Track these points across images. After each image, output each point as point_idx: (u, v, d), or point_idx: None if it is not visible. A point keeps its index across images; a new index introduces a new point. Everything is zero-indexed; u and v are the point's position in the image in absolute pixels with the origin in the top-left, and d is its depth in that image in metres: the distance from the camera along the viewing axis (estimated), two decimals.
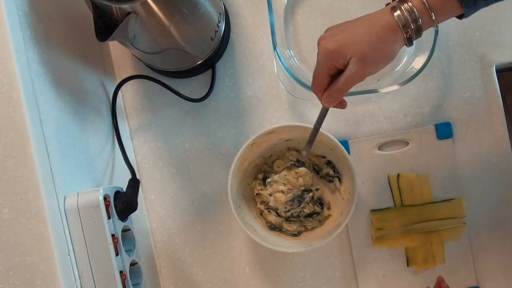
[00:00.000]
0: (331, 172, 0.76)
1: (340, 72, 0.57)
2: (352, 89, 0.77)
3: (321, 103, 0.61)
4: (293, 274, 0.80)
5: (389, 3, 0.57)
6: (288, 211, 0.75)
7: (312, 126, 0.70)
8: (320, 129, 0.70)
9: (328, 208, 0.77)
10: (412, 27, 0.55)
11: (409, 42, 0.56)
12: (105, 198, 0.59)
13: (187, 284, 0.81)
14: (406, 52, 0.79)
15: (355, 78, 0.56)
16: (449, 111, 0.79)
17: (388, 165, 0.79)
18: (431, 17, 0.54)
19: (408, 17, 0.54)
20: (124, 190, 0.66)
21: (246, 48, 0.81)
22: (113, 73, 0.81)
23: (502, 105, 0.79)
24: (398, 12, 0.55)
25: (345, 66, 0.56)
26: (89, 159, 0.67)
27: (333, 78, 0.58)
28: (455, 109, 0.79)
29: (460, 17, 0.56)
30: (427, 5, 0.54)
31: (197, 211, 0.81)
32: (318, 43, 0.58)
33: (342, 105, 0.63)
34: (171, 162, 0.81)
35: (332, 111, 0.80)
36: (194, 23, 0.67)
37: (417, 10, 0.54)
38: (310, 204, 0.76)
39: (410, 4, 0.54)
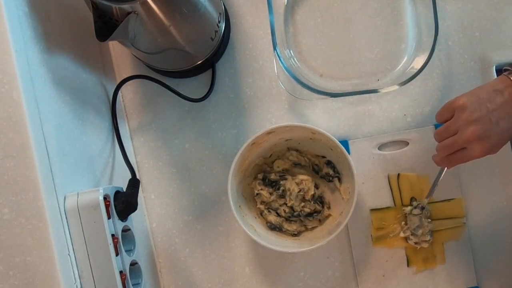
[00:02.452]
0: (331, 172, 0.77)
1: None
2: (352, 89, 0.77)
3: (440, 162, 0.67)
4: (293, 274, 0.80)
5: (506, 74, 0.61)
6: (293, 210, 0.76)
7: (311, 126, 0.70)
8: (320, 129, 0.70)
9: (328, 208, 0.77)
10: None
11: None
12: (105, 198, 0.59)
13: (187, 284, 0.81)
14: (406, 52, 0.79)
15: (475, 158, 0.62)
16: None
17: (388, 165, 0.79)
18: None
19: None
20: (124, 190, 0.66)
21: (246, 48, 0.81)
22: (113, 73, 0.81)
23: None
24: None
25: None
26: (89, 159, 0.67)
27: None
28: None
29: None
30: None
31: (197, 211, 0.81)
32: (462, 124, 0.61)
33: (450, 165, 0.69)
34: (171, 162, 0.81)
35: (332, 111, 0.80)
36: (194, 23, 0.67)
37: None
38: (311, 203, 0.76)
39: None
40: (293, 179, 0.76)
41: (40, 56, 0.59)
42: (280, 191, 0.76)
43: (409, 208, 0.77)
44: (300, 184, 0.76)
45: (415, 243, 0.76)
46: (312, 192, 0.75)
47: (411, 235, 0.76)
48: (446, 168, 0.72)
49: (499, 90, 0.60)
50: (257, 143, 0.73)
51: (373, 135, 0.79)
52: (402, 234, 0.77)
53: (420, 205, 0.76)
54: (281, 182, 0.76)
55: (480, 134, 0.60)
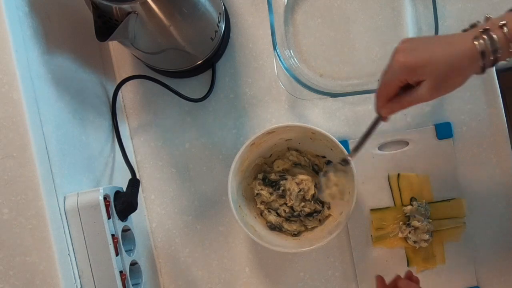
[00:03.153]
0: None
1: (407, 86, 0.57)
2: (352, 89, 0.77)
3: (379, 111, 0.60)
4: (293, 274, 0.80)
5: (467, 29, 0.57)
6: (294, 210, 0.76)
7: (311, 126, 0.70)
8: (320, 129, 0.70)
9: (328, 208, 0.77)
10: (491, 58, 0.54)
11: (482, 72, 0.56)
12: (105, 198, 0.59)
13: (187, 284, 0.81)
14: None
15: (421, 101, 0.56)
16: (449, 111, 0.79)
17: (388, 165, 0.79)
18: (509, 50, 0.54)
19: (490, 48, 0.53)
20: (124, 190, 0.66)
21: (246, 48, 0.81)
22: (113, 73, 0.81)
23: (502, 105, 0.79)
24: (481, 42, 0.54)
25: (417, 83, 0.56)
26: (89, 159, 0.67)
27: (400, 90, 0.58)
28: (455, 109, 0.79)
29: None
30: (508, 38, 0.53)
31: (197, 211, 0.81)
32: (394, 54, 0.56)
33: (386, 118, 0.63)
34: (171, 162, 0.81)
35: (332, 111, 0.80)
36: (194, 23, 0.67)
37: (499, 42, 0.53)
38: (311, 202, 0.76)
39: (494, 36, 0.53)
40: (293, 179, 0.76)
41: (40, 56, 0.59)
42: (280, 191, 0.76)
43: (408, 207, 0.77)
44: (300, 184, 0.76)
45: (414, 242, 0.76)
46: (312, 192, 0.75)
47: (409, 233, 0.76)
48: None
49: (446, 42, 0.56)
50: (257, 143, 0.73)
51: (373, 135, 0.79)
52: (400, 234, 0.77)
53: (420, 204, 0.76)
54: (281, 182, 0.76)
55: (404, 48, 0.56)
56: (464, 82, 0.56)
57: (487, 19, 0.57)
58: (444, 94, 0.56)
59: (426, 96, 0.55)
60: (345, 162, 0.69)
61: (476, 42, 0.54)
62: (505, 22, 0.54)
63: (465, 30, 0.58)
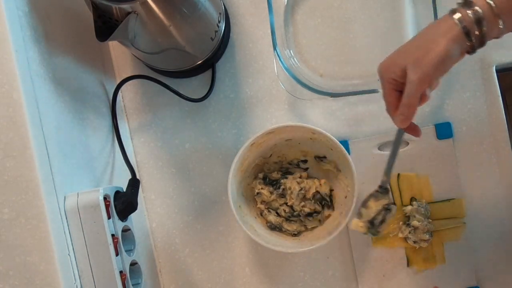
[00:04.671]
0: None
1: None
2: (352, 89, 0.77)
3: (396, 124, 0.58)
4: (293, 274, 0.80)
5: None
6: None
7: (311, 126, 0.70)
8: (320, 129, 0.70)
9: (329, 208, 0.77)
10: (477, 33, 0.50)
11: (471, 50, 0.52)
12: (105, 198, 0.59)
13: (187, 284, 0.81)
14: None
15: (416, 86, 0.53)
16: (449, 111, 0.79)
17: None
18: (498, 25, 0.50)
19: (472, 18, 0.49)
20: (124, 190, 0.66)
21: (246, 48, 0.81)
22: (113, 73, 0.81)
23: (502, 105, 0.79)
24: (458, 15, 0.50)
25: (405, 77, 0.54)
26: (89, 159, 0.67)
27: (401, 95, 0.56)
28: (455, 109, 0.79)
29: None
30: (495, 11, 0.49)
31: (197, 211, 0.81)
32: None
33: (416, 131, 0.61)
34: (171, 162, 0.81)
35: (332, 111, 0.80)
36: (194, 23, 0.67)
37: (483, 12, 0.49)
38: (312, 202, 0.76)
39: (475, 7, 0.49)
40: (294, 178, 0.76)
41: (40, 56, 0.59)
42: (281, 190, 0.76)
43: (408, 207, 0.77)
44: (301, 183, 0.76)
45: (414, 242, 0.76)
46: (314, 191, 0.76)
47: (409, 233, 0.76)
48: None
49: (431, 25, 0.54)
50: (257, 143, 0.73)
51: (373, 135, 0.79)
52: (400, 234, 0.77)
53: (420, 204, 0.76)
54: (282, 181, 0.76)
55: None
56: (447, 52, 0.52)
57: None
58: (433, 70, 0.52)
59: (415, 77, 0.53)
60: (384, 189, 0.67)
61: (454, 16, 0.51)
62: None
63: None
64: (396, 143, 0.61)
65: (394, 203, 0.70)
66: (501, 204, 0.79)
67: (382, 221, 0.67)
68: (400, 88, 0.56)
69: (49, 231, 0.53)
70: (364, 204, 0.67)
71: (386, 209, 0.67)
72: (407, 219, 0.77)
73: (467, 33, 0.51)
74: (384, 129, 0.79)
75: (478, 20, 0.50)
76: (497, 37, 0.52)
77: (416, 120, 0.78)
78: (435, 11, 0.74)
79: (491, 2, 0.49)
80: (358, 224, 0.67)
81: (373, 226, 0.67)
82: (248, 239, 0.80)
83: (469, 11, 0.50)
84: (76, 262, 0.57)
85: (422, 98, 0.56)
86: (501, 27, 0.50)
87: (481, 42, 0.52)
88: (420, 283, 0.79)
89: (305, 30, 0.80)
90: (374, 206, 0.67)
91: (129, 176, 0.68)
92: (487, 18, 0.50)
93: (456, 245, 0.78)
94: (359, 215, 0.67)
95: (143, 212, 0.80)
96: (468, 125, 0.79)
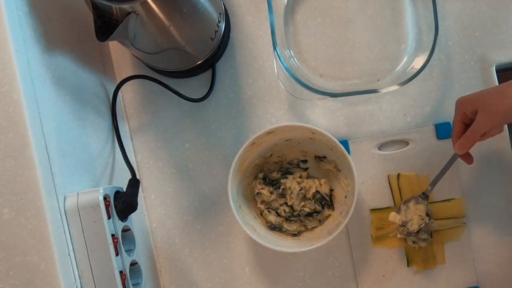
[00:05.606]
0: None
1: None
2: (352, 89, 0.77)
3: (455, 149, 0.69)
4: (293, 274, 0.80)
5: None
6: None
7: (311, 126, 0.70)
8: (320, 129, 0.70)
9: (329, 207, 0.77)
10: None
11: None
12: (105, 198, 0.59)
13: (187, 284, 0.81)
14: (406, 52, 0.79)
15: (480, 127, 0.64)
16: (449, 111, 0.79)
17: (388, 165, 0.79)
18: None
19: None
20: (124, 190, 0.66)
21: (246, 48, 0.81)
22: (113, 73, 0.81)
23: None
24: None
25: (475, 116, 0.64)
26: (89, 159, 0.67)
27: (466, 128, 0.66)
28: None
29: None
30: None
31: (197, 211, 0.81)
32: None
33: (468, 159, 0.71)
34: (171, 162, 0.81)
35: (332, 111, 0.80)
36: (194, 23, 0.67)
37: None
38: (312, 201, 0.76)
39: None
40: (294, 178, 0.76)
41: (40, 56, 0.59)
42: (281, 190, 0.76)
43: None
44: (301, 183, 0.76)
45: (414, 242, 0.76)
46: (314, 191, 0.76)
47: (408, 233, 0.76)
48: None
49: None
50: (257, 143, 0.73)
51: (373, 135, 0.79)
52: (398, 235, 0.77)
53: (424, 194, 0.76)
54: (282, 181, 0.76)
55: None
56: None
57: None
58: (500, 118, 0.63)
59: (482, 120, 0.63)
60: (425, 196, 0.75)
61: None
62: None
63: None
64: (449, 164, 0.72)
65: (432, 219, 0.76)
66: (501, 204, 0.79)
67: (418, 231, 0.74)
68: (468, 122, 0.66)
69: (49, 231, 0.53)
70: (406, 202, 0.75)
71: (426, 221, 0.74)
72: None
73: None
74: (384, 129, 0.79)
75: None
76: None
77: (416, 120, 0.79)
78: (435, 11, 0.74)
79: None
80: (396, 217, 0.74)
81: (408, 231, 0.74)
82: (248, 239, 0.80)
83: None
84: (76, 262, 0.57)
85: (483, 135, 0.66)
86: None
87: None
88: (420, 283, 0.79)
89: (305, 30, 0.80)
90: (413, 207, 0.74)
91: (129, 176, 0.68)
92: None
93: (456, 245, 0.78)
94: (399, 209, 0.75)
95: (143, 212, 0.80)
96: None
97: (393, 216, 0.74)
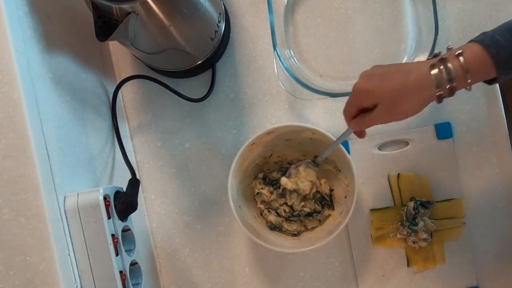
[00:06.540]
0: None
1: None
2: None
3: (348, 125, 0.64)
4: (293, 274, 0.80)
5: (430, 58, 0.59)
6: (294, 210, 0.75)
7: (311, 126, 0.70)
8: (320, 129, 0.70)
9: (329, 207, 0.77)
10: (447, 86, 0.55)
11: (439, 100, 0.57)
12: (105, 198, 0.59)
13: (187, 284, 0.81)
14: (406, 52, 0.79)
15: (378, 121, 0.60)
16: (449, 111, 0.79)
17: (388, 165, 0.79)
18: (466, 80, 0.55)
19: (445, 77, 0.55)
20: (124, 190, 0.66)
21: (246, 48, 0.81)
22: (113, 73, 0.81)
23: (502, 105, 0.79)
24: (435, 71, 0.55)
25: (374, 106, 0.59)
26: (89, 159, 0.67)
27: (362, 110, 0.61)
28: (455, 109, 0.79)
29: (490, 82, 0.58)
30: (465, 68, 0.55)
31: (197, 211, 0.81)
32: (359, 77, 0.60)
33: (361, 135, 0.66)
34: (171, 162, 0.81)
35: (332, 111, 0.80)
36: (194, 23, 0.67)
37: (455, 71, 0.55)
38: (311, 201, 0.76)
39: (449, 65, 0.55)
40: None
41: (40, 56, 0.59)
42: (281, 190, 0.76)
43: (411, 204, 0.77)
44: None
45: (414, 242, 0.76)
46: (314, 190, 0.75)
47: (407, 233, 0.76)
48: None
49: (403, 69, 0.58)
50: (257, 143, 0.73)
51: (373, 135, 0.79)
52: (398, 235, 0.77)
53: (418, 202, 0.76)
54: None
55: (366, 74, 0.60)
56: (419, 108, 0.58)
57: (449, 49, 0.58)
58: (400, 118, 0.59)
59: (381, 117, 0.59)
60: (315, 163, 0.74)
61: (432, 72, 0.55)
62: (461, 51, 0.55)
63: (429, 58, 0.60)
64: (343, 137, 0.67)
65: (431, 202, 0.76)
66: (501, 204, 0.79)
67: (414, 219, 0.74)
68: (363, 108, 0.61)
69: (49, 231, 0.53)
70: (296, 167, 0.75)
71: (421, 205, 0.75)
72: (409, 220, 0.77)
73: (438, 87, 0.56)
74: (384, 129, 0.79)
75: (451, 77, 0.55)
76: (465, 88, 0.57)
77: (416, 120, 0.79)
78: (435, 11, 0.74)
79: (461, 59, 0.55)
80: (287, 183, 0.74)
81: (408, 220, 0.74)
82: (248, 239, 0.80)
83: (444, 69, 0.55)
84: (76, 262, 0.57)
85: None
86: (468, 81, 0.56)
87: (450, 95, 0.57)
88: (420, 283, 0.79)
89: (305, 30, 0.80)
90: (304, 172, 0.74)
91: (129, 176, 0.68)
92: (458, 75, 0.55)
93: (456, 245, 0.78)
94: (289, 174, 0.75)
95: (143, 212, 0.80)
96: (468, 125, 0.79)
97: (284, 182, 0.74)
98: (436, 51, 0.74)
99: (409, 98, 0.57)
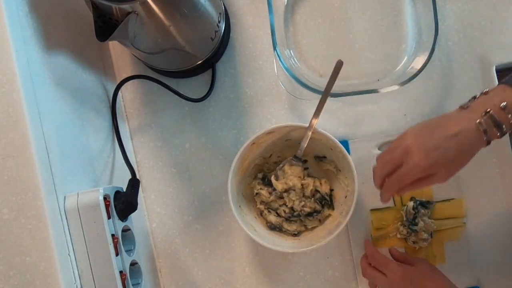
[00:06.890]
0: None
1: None
2: (352, 89, 0.77)
3: (378, 187, 0.65)
4: (293, 274, 0.80)
5: (467, 106, 0.61)
6: (292, 209, 0.75)
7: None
8: (320, 129, 0.70)
9: (329, 207, 0.77)
10: (498, 134, 0.58)
11: (488, 144, 0.60)
12: (105, 198, 0.59)
13: (187, 284, 0.81)
14: (406, 52, 0.79)
15: (436, 183, 0.62)
16: (449, 111, 0.79)
17: None
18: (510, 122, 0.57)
19: (496, 131, 0.58)
20: (124, 190, 0.66)
21: (246, 48, 0.81)
22: (113, 73, 0.81)
23: None
24: (485, 128, 0.57)
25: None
26: (89, 159, 0.67)
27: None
28: (455, 109, 0.79)
29: None
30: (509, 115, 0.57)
31: (197, 211, 0.81)
32: (406, 146, 0.61)
33: (388, 198, 0.66)
34: (171, 162, 0.81)
35: (332, 111, 0.80)
36: (194, 23, 0.67)
37: (505, 126, 0.57)
38: (311, 200, 0.76)
39: (497, 118, 0.57)
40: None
41: (40, 56, 0.59)
42: (277, 190, 0.76)
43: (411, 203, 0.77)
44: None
45: (414, 242, 0.76)
46: (311, 188, 0.75)
47: (407, 233, 0.76)
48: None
49: (454, 134, 0.59)
50: (257, 143, 0.73)
51: (373, 135, 0.79)
52: (398, 235, 0.77)
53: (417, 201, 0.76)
54: None
55: (417, 144, 0.60)
56: (469, 160, 0.61)
57: (485, 93, 0.60)
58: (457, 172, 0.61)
59: (442, 181, 0.62)
60: (297, 158, 0.75)
61: (481, 129, 0.58)
62: (505, 103, 0.56)
63: (465, 107, 0.61)
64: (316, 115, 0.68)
65: (431, 202, 0.77)
66: (501, 204, 0.79)
67: (414, 218, 0.75)
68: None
69: (49, 231, 0.53)
70: (280, 168, 0.75)
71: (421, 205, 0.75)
72: (409, 220, 0.77)
73: (487, 138, 0.59)
74: (384, 129, 0.79)
75: (501, 130, 0.58)
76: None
77: (416, 120, 0.79)
78: (435, 11, 0.74)
79: (510, 115, 0.57)
80: (277, 184, 0.75)
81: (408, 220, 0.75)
82: (248, 239, 0.80)
83: (491, 122, 0.57)
84: (76, 262, 0.57)
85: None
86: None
87: (500, 137, 0.59)
88: None
89: (305, 30, 0.80)
90: (290, 171, 0.75)
91: (129, 176, 0.68)
92: (506, 124, 0.57)
93: (456, 245, 0.78)
94: (276, 176, 0.75)
95: (143, 212, 0.80)
96: None
97: (275, 184, 0.75)
98: (436, 51, 0.74)
99: (466, 157, 0.61)
